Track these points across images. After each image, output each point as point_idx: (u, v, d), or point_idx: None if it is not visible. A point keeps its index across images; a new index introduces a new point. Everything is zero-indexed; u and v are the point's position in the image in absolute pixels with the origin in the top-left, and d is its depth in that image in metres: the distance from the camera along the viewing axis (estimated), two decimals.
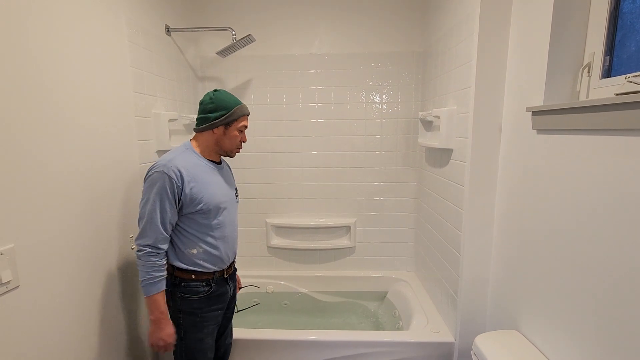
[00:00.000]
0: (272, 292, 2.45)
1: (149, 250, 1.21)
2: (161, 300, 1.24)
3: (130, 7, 1.55)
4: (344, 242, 2.46)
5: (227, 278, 1.41)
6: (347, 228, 2.46)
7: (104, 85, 1.37)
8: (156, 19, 1.78)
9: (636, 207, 0.84)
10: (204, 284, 1.32)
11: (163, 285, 1.24)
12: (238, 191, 1.50)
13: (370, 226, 2.46)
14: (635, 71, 0.98)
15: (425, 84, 2.22)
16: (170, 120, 1.78)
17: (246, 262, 2.53)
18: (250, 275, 2.48)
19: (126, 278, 1.51)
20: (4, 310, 0.95)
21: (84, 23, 1.27)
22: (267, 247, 2.51)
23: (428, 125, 2.09)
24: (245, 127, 1.36)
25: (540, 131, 1.21)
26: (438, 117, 1.76)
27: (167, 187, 1.19)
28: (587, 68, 1.13)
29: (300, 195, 2.44)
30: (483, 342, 1.29)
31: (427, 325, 1.80)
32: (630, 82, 0.95)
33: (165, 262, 1.25)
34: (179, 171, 1.21)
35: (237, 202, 1.47)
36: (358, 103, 2.33)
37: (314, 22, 2.26)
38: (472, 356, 1.32)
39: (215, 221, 1.31)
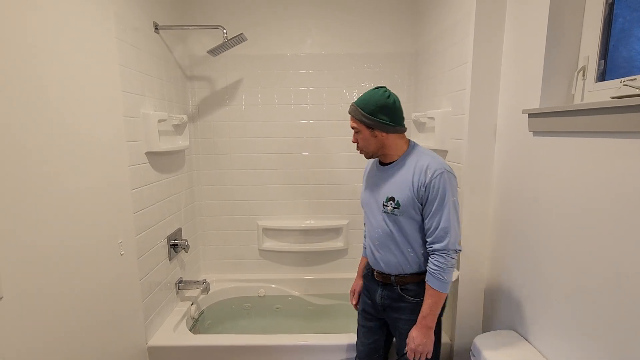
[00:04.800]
0: (264, 295, 2.41)
1: None
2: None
3: (119, 3, 1.49)
4: (336, 244, 2.45)
5: (376, 278, 1.34)
6: (340, 230, 2.44)
7: (92, 83, 1.31)
8: (145, 16, 1.72)
9: (631, 207, 0.85)
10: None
11: None
12: (394, 201, 1.21)
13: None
14: (628, 75, 1.01)
15: (417, 85, 2.23)
16: (159, 121, 1.72)
17: (237, 266, 2.49)
18: (242, 279, 2.44)
19: (114, 284, 1.44)
20: None
21: (73, 19, 1.20)
22: (259, 250, 2.47)
23: (421, 126, 2.09)
24: (352, 127, 1.34)
25: (536, 133, 1.22)
26: (432, 118, 1.77)
27: None
28: (582, 71, 1.15)
29: (293, 197, 2.41)
30: (482, 343, 1.29)
31: None
32: (627, 85, 0.97)
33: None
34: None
35: (385, 211, 1.24)
36: (350, 104, 2.31)
37: (306, 22, 2.24)
38: (471, 357, 1.33)
39: (365, 218, 1.39)
